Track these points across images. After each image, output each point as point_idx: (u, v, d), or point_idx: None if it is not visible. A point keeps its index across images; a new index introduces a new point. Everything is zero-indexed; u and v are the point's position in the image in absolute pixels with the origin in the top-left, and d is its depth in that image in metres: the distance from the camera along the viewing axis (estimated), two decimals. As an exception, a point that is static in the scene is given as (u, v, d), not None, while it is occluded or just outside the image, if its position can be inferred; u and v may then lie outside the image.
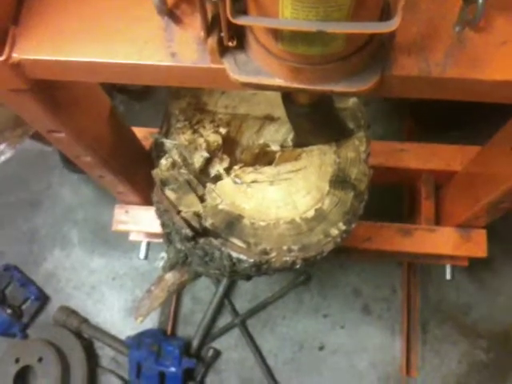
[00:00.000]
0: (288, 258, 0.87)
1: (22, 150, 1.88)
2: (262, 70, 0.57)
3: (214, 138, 0.95)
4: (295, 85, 0.56)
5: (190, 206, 0.90)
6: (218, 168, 0.96)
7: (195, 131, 0.97)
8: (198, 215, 0.89)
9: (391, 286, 1.72)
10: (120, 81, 0.63)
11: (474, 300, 1.68)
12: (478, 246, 1.22)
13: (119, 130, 1.07)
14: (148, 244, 1.43)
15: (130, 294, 1.75)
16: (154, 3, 0.57)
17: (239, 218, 0.90)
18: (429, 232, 1.23)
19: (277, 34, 0.50)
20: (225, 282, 1.70)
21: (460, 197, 1.23)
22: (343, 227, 0.90)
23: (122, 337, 1.67)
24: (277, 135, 1.00)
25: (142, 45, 0.59)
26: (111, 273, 1.77)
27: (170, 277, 1.11)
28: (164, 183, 0.91)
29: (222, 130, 0.97)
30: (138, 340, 1.60)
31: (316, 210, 0.90)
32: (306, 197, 0.92)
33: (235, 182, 0.93)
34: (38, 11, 0.60)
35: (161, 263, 1.76)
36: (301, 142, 0.96)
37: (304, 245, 0.88)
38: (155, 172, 0.92)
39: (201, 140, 0.95)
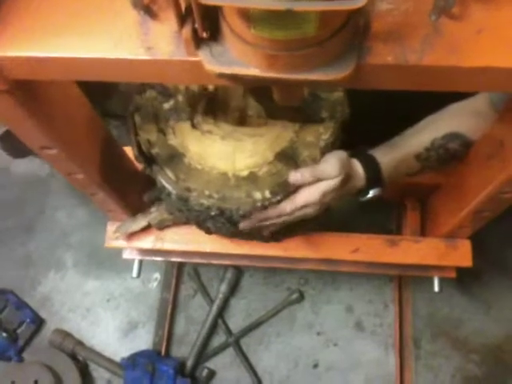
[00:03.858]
0: (205, 202, 0.94)
1: (17, 175, 1.88)
2: (237, 60, 0.54)
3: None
4: (271, 74, 0.54)
5: (147, 132, 0.99)
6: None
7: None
8: (149, 143, 0.97)
9: (383, 301, 1.67)
10: (97, 78, 0.61)
11: (465, 314, 1.64)
12: (463, 255, 1.18)
13: (111, 149, 1.04)
14: (140, 262, 1.39)
15: (125, 315, 1.70)
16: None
17: (181, 155, 0.98)
18: (415, 242, 1.20)
19: (248, 18, 0.48)
20: (218, 301, 1.66)
21: (444, 208, 1.20)
22: (268, 195, 0.94)
23: (117, 358, 1.61)
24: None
25: (118, 39, 0.57)
26: (106, 294, 1.72)
27: (154, 211, 1.20)
28: (137, 108, 1.01)
29: (210, 86, 1.03)
30: (133, 361, 1.54)
31: (250, 173, 0.96)
32: (248, 159, 0.97)
33: (193, 127, 1.00)
34: (15, 10, 0.58)
35: (154, 284, 1.73)
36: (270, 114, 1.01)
37: (224, 196, 0.94)
38: (136, 97, 1.01)
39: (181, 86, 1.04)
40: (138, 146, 0.98)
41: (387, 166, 1.00)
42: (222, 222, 1.01)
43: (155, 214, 1.18)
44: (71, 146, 0.84)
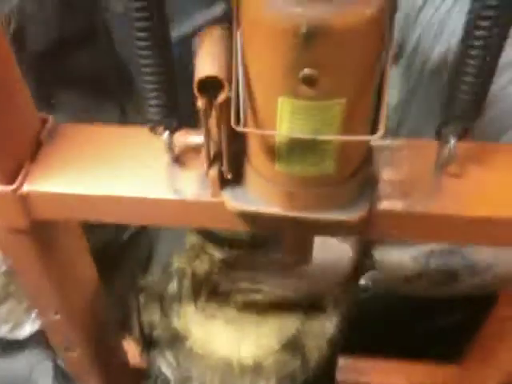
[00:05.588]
0: None
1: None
2: (259, 199, 0.58)
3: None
4: (291, 212, 0.57)
5: (150, 314, 0.96)
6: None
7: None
8: (152, 324, 0.94)
9: None
10: (124, 219, 0.64)
11: None
12: None
13: (110, 327, 1.03)
14: None
15: None
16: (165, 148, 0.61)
17: (183, 339, 0.92)
18: None
19: (274, 153, 0.52)
20: None
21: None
22: None
23: None
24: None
25: (146, 181, 0.61)
26: None
27: None
28: (142, 289, 0.99)
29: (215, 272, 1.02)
30: None
31: (255, 362, 0.90)
32: (253, 347, 0.92)
33: (196, 310, 0.97)
34: (54, 153, 0.64)
35: None
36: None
37: None
38: (143, 281, 1.01)
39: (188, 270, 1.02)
40: (140, 328, 0.96)
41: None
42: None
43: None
44: (74, 311, 0.84)
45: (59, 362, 1.39)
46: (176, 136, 0.60)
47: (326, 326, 0.97)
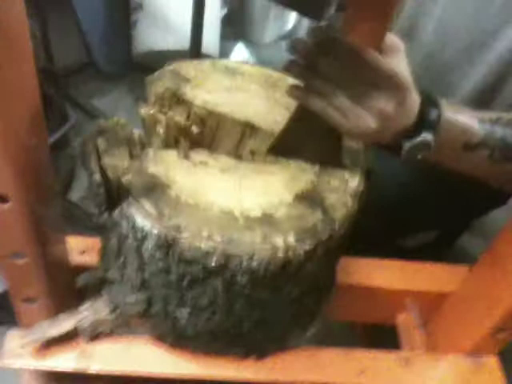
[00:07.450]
0: (203, 245, 0.63)
1: None
2: None
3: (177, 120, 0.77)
4: None
5: (116, 158, 0.70)
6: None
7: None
8: (118, 170, 0.69)
9: None
10: None
11: None
12: (491, 375, 0.91)
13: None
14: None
15: None
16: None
17: (165, 187, 0.69)
18: (433, 361, 0.91)
19: None
20: None
21: (458, 322, 0.95)
22: (292, 241, 0.66)
23: None
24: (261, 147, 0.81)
25: None
26: None
27: (87, 308, 0.80)
28: (101, 131, 0.73)
29: (194, 129, 0.77)
30: None
31: (264, 214, 0.69)
32: (259, 198, 0.72)
33: (178, 156, 0.76)
34: None
35: None
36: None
37: (231, 239, 0.64)
38: (98, 122, 0.74)
39: (161, 117, 0.76)
40: (103, 174, 0.68)
41: (449, 117, 0.76)
42: (214, 291, 0.68)
43: (88, 312, 0.79)
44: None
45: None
46: None
47: (348, 181, 0.78)
